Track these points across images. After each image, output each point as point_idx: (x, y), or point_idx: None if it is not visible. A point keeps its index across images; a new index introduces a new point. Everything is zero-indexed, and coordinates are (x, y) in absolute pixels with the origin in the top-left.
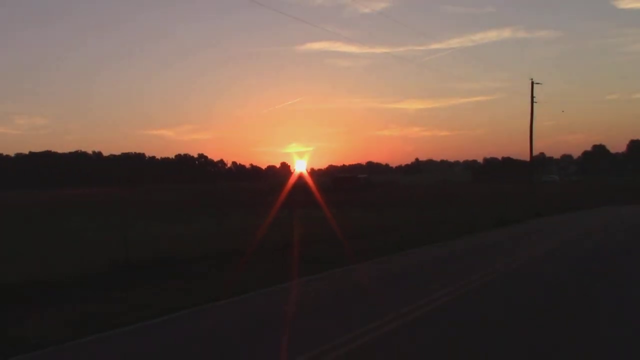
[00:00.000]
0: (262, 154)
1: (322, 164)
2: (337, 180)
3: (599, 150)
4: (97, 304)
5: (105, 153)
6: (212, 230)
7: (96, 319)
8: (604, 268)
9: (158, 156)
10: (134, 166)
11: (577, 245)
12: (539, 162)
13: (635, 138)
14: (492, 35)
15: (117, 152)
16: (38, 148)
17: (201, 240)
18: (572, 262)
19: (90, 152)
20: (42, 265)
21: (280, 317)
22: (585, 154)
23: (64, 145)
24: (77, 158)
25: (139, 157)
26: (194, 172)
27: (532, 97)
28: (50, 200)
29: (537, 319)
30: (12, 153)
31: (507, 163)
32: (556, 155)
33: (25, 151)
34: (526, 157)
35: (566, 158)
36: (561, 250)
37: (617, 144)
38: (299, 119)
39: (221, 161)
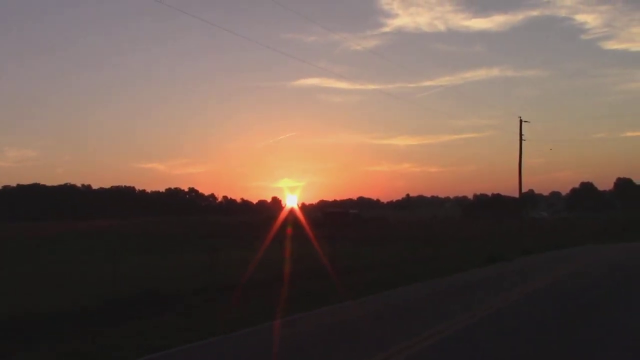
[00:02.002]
0: (253, 189)
1: (313, 198)
2: (327, 215)
3: (587, 188)
4: (77, 340)
5: (95, 186)
6: (202, 264)
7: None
8: (585, 311)
9: (148, 190)
10: (123, 199)
11: (561, 286)
12: (529, 199)
13: (621, 176)
14: (481, 73)
15: (107, 186)
16: (26, 180)
17: (191, 275)
18: (554, 304)
19: (79, 185)
20: (27, 300)
21: (270, 356)
22: (574, 191)
23: (52, 178)
24: (66, 191)
25: (129, 190)
26: (184, 205)
27: (521, 134)
28: (38, 234)
29: None
30: (0, 185)
31: (497, 199)
32: (545, 192)
33: (13, 183)
34: (516, 193)
35: (555, 195)
36: (544, 291)
37: (605, 182)
38: (290, 153)
39: (212, 195)
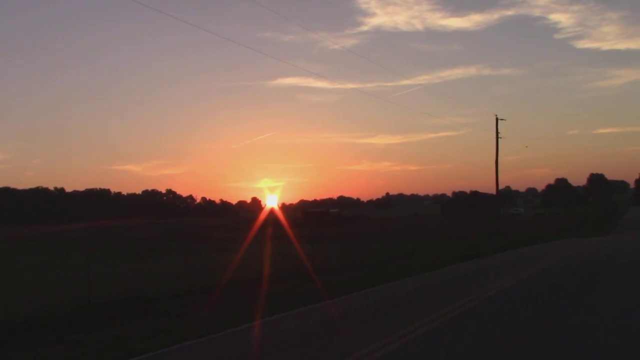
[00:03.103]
0: (232, 189)
1: (293, 198)
2: (308, 215)
3: (562, 184)
4: (52, 348)
5: (68, 189)
6: (180, 267)
7: None
8: (562, 303)
9: (124, 192)
10: (99, 202)
11: (537, 280)
12: (505, 196)
13: (595, 172)
14: (458, 72)
15: (81, 188)
16: None
17: (169, 278)
18: (531, 294)
19: (52, 188)
20: (11, 304)
21: (250, 358)
22: (549, 187)
23: (23, 181)
24: (38, 194)
25: (104, 192)
26: (161, 207)
27: (497, 132)
28: (8, 238)
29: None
30: None
31: (475, 196)
32: (521, 188)
33: None
34: (493, 190)
35: (531, 191)
36: (520, 285)
37: (578, 178)
38: (270, 154)
39: (190, 196)
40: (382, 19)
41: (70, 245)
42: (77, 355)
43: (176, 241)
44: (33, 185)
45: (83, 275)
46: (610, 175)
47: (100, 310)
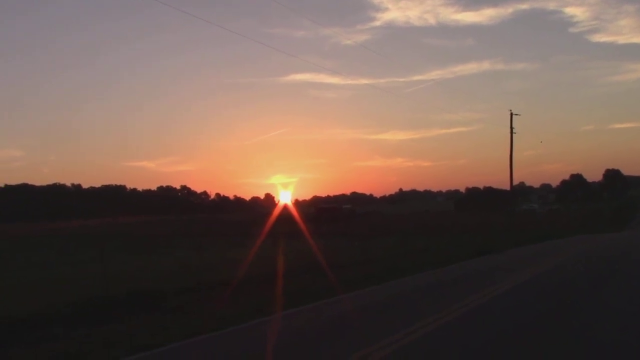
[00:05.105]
0: (246, 185)
1: (306, 194)
2: (321, 211)
3: (577, 179)
4: (66, 341)
5: (85, 185)
6: (194, 262)
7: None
8: (575, 298)
9: (140, 188)
10: (115, 198)
11: (551, 275)
12: (519, 191)
13: (610, 167)
14: (471, 67)
15: (97, 185)
16: (14, 181)
17: (184, 273)
18: (545, 290)
19: (69, 184)
20: (12, 301)
21: (262, 352)
22: (564, 182)
23: (41, 178)
24: (55, 191)
25: (120, 189)
26: (176, 203)
27: (512, 127)
28: (27, 233)
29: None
30: None
31: (489, 192)
32: (536, 184)
33: (1, 184)
34: (507, 186)
35: (545, 187)
36: (535, 281)
37: (594, 173)
38: (282, 150)
39: (204, 192)
40: (394, 13)
41: (87, 241)
42: (82, 351)
43: (192, 237)
44: (50, 182)
45: (89, 271)
46: (626, 171)
47: (113, 305)
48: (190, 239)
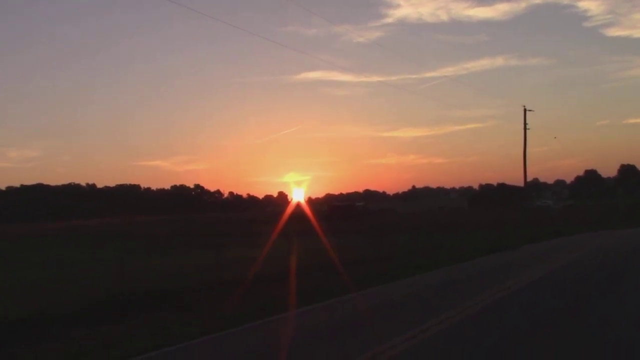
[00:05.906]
0: (259, 184)
1: (319, 192)
2: (334, 209)
3: (591, 175)
4: (56, 343)
5: (100, 185)
6: (208, 261)
7: (81, 357)
8: (591, 294)
9: (154, 187)
10: (129, 198)
11: (566, 271)
12: (533, 188)
13: (625, 163)
14: (485, 63)
15: (112, 184)
16: (30, 181)
17: (198, 272)
18: (560, 286)
19: (83, 184)
20: (31, 300)
21: (274, 351)
22: (578, 178)
23: (56, 177)
24: (70, 190)
25: (134, 188)
26: (190, 202)
27: (525, 123)
28: (44, 233)
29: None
30: (3, 186)
31: (502, 189)
32: (550, 180)
33: (17, 184)
34: (520, 182)
35: (559, 183)
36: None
37: (609, 169)
38: (295, 148)
39: (218, 191)
40: (406, 10)
41: (103, 240)
42: (103, 346)
43: (206, 236)
44: (65, 182)
45: (114, 269)
46: None
47: (128, 303)
48: (203, 238)
